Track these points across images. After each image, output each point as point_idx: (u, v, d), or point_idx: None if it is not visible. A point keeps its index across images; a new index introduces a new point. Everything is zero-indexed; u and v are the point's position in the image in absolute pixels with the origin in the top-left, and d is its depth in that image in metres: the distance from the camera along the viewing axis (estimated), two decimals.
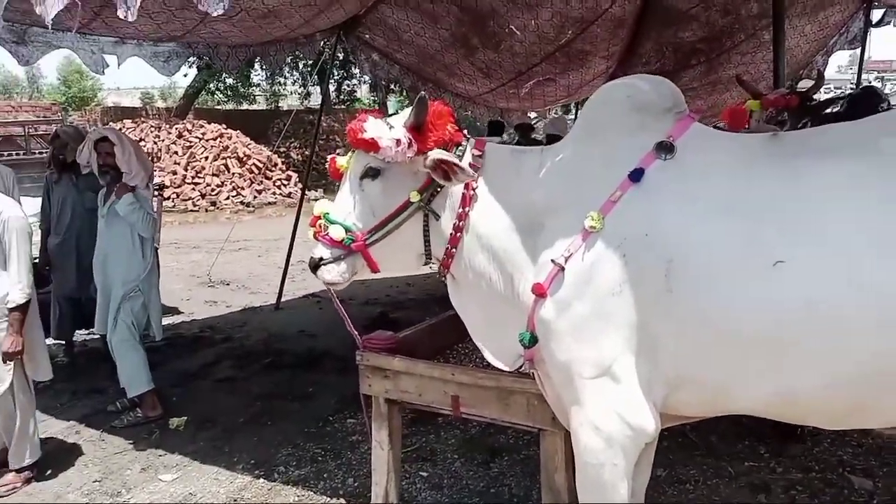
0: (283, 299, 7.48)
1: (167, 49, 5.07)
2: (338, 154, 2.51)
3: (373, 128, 2.17)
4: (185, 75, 21.13)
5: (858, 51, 8.12)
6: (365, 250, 2.30)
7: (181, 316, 7.15)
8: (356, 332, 2.81)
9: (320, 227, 2.32)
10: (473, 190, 2.21)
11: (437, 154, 2.12)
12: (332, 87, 25.47)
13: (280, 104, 27.44)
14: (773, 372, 1.80)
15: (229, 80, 24.10)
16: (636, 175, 1.97)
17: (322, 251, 2.33)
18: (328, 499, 3.42)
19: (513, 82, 7.50)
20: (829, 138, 1.90)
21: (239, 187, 16.85)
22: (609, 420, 2.01)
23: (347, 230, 2.28)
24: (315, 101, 23.36)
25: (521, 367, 2.33)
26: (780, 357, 1.78)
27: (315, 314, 7.05)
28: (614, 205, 1.97)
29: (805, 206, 1.76)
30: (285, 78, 25.22)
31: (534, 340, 2.12)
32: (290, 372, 5.36)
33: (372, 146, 2.16)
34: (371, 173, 2.24)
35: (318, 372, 5.32)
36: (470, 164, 2.20)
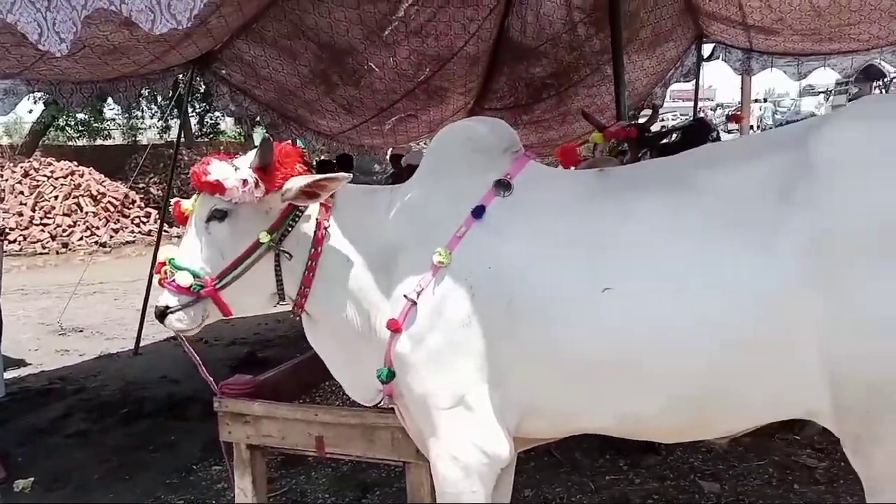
0: (142, 344, 7.13)
1: (1, 86, 4.77)
2: (182, 198, 2.46)
3: (217, 170, 2.16)
4: (31, 111, 19.94)
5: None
6: (215, 295, 2.26)
7: (28, 368, 6.67)
8: (211, 379, 2.74)
9: (166, 273, 2.26)
10: (325, 229, 2.23)
11: (298, 181, 2.13)
12: (194, 120, 24.83)
13: (138, 138, 26.31)
14: (615, 396, 1.92)
15: (80, 115, 22.91)
16: (478, 212, 2.06)
17: (168, 299, 2.26)
18: None
19: (375, 119, 7.57)
20: (650, 173, 2.06)
21: (93, 227, 15.96)
22: (466, 450, 2.07)
23: (195, 276, 2.23)
24: (175, 134, 22.58)
25: (381, 402, 2.36)
26: (619, 382, 1.89)
27: (178, 358, 6.71)
28: (460, 240, 2.05)
29: (632, 238, 1.89)
30: (143, 111, 24.30)
31: (391, 375, 2.16)
32: (150, 421, 5.11)
33: (217, 188, 2.14)
34: (218, 215, 2.22)
35: (180, 419, 5.09)
36: (322, 205, 2.23)
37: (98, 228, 15.99)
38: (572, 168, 2.50)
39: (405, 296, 2.06)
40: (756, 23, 6.97)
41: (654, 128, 4.72)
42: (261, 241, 2.21)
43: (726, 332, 1.75)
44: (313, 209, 2.25)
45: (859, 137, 1.73)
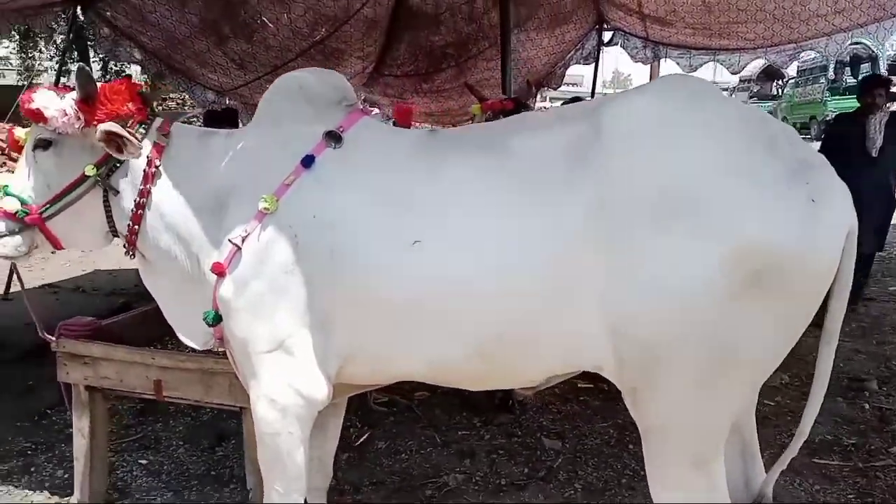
0: (14, 289, 6.84)
1: None
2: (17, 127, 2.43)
3: (40, 98, 2.16)
4: None
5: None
6: (42, 224, 2.28)
7: None
8: (38, 321, 2.72)
9: None
10: (156, 167, 2.24)
11: (105, 126, 2.13)
12: (97, 66, 23.57)
13: (35, 80, 24.86)
14: (423, 343, 2.00)
15: None
16: (308, 161, 2.10)
17: None
18: (29, 492, 3.22)
19: (269, 76, 7.40)
20: (471, 136, 2.14)
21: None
22: (283, 392, 2.12)
23: (23, 203, 2.25)
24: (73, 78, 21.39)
25: (212, 345, 2.38)
26: (426, 329, 1.98)
27: (48, 305, 6.51)
28: (287, 188, 2.08)
29: (440, 195, 1.97)
30: (40, 52, 22.94)
31: (217, 318, 2.18)
32: (9, 367, 4.93)
33: (38, 116, 2.16)
34: (42, 144, 2.23)
35: (42, 365, 4.86)
36: (154, 143, 2.25)
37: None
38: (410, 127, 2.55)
39: (230, 240, 2.09)
40: (651, 13, 7.16)
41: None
42: (87, 174, 2.23)
43: (518, 286, 1.85)
44: (145, 145, 2.24)
45: (643, 108, 1.85)
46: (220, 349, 2.35)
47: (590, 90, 9.37)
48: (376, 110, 2.43)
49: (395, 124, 2.58)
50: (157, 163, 2.24)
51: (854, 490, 3.21)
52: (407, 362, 2.09)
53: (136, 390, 2.82)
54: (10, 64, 23.89)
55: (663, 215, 1.72)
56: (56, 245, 2.35)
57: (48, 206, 2.25)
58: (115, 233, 2.35)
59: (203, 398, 2.74)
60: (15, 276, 2.73)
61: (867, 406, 4.12)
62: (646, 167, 1.76)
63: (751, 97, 28.61)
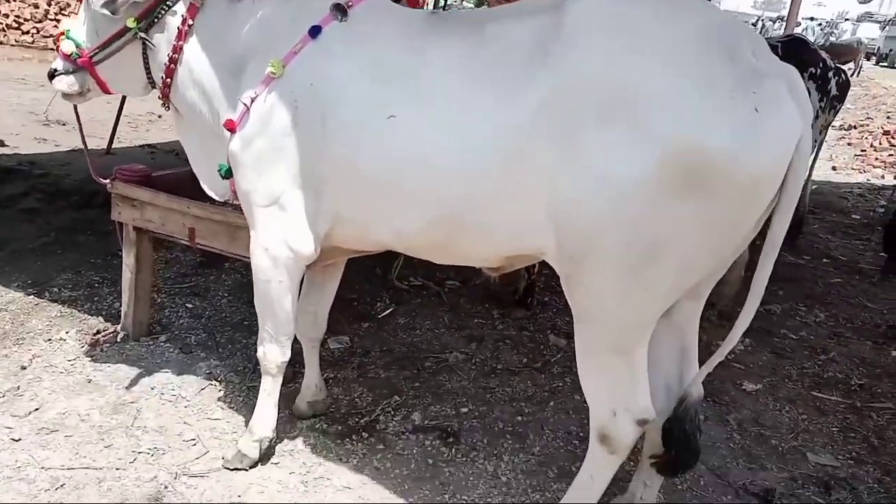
0: (117, 146, 7.44)
1: None
2: None
3: None
4: None
5: None
6: (91, 67, 2.59)
7: (4, 149, 7.01)
8: (92, 166, 3.06)
9: (60, 41, 2.61)
10: (189, 26, 2.45)
11: None
12: None
13: None
14: (391, 212, 2.19)
15: None
16: (314, 31, 2.26)
17: (58, 63, 2.66)
18: (89, 317, 3.69)
19: None
20: (461, 20, 2.23)
21: None
22: (275, 243, 2.37)
23: (77, 46, 2.57)
24: None
25: (229, 199, 2.65)
26: (392, 199, 2.16)
27: (146, 162, 7.02)
28: (294, 56, 2.26)
29: (418, 73, 2.10)
30: None
31: (230, 172, 2.43)
32: (97, 210, 5.45)
33: None
34: None
35: None
36: (191, 4, 2.46)
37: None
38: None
39: (241, 100, 2.30)
40: None
41: None
42: (128, 26, 2.47)
43: (474, 168, 1.99)
44: (181, 6, 2.46)
45: (607, 4, 1.89)
46: (236, 202, 2.61)
47: None
48: None
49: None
50: (191, 22, 2.45)
51: (840, 424, 3.25)
52: (379, 229, 2.28)
53: (174, 234, 3.16)
54: None
55: (607, 111, 1.80)
56: (104, 88, 2.67)
57: (97, 51, 2.55)
58: (152, 83, 2.62)
59: (228, 248, 3.04)
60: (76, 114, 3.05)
61: (894, 353, 4.06)
62: (598, 63, 1.83)
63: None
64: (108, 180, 3.19)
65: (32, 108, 9.06)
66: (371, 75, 2.16)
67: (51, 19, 15.49)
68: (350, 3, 2.31)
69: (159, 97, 2.62)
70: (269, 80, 2.27)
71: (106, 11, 2.39)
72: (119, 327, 3.51)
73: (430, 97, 2.07)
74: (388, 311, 4.03)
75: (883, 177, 9.84)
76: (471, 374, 3.41)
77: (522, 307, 4.17)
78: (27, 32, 15.04)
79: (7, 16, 14.81)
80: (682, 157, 1.74)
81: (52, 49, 15.02)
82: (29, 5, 15.34)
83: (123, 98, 7.31)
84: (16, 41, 14.56)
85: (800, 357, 3.93)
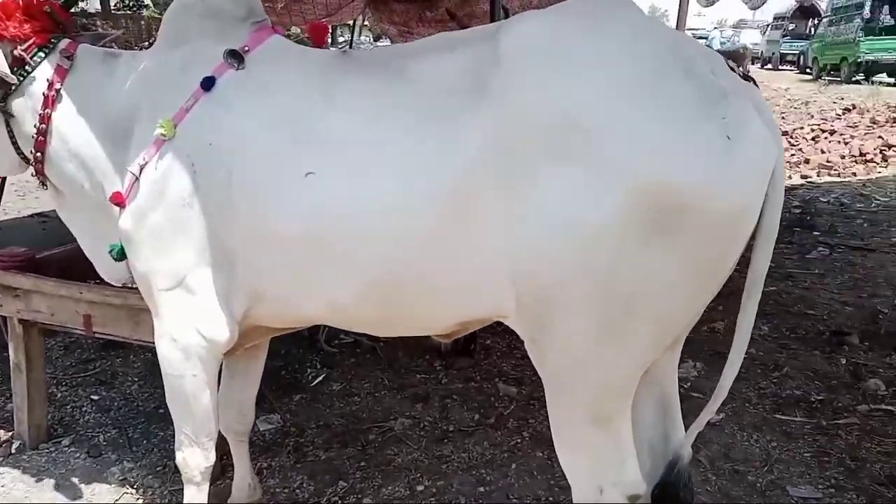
0: (4, 217, 6.86)
1: None
2: None
3: None
4: None
5: None
6: None
7: None
8: None
9: None
10: (57, 91, 2.13)
11: None
12: None
13: None
14: (320, 282, 1.89)
15: None
16: (208, 83, 1.96)
17: None
18: None
19: None
20: (377, 57, 1.98)
21: None
22: (185, 332, 2.03)
23: None
24: (94, 5, 21.16)
25: (128, 282, 2.30)
26: (320, 266, 1.86)
27: (37, 234, 6.51)
28: (186, 113, 1.95)
29: (331, 121, 1.82)
30: None
31: (123, 253, 2.09)
32: None
33: None
34: None
35: None
36: (57, 66, 2.15)
37: None
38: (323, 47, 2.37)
39: (128, 169, 1.97)
40: None
41: None
42: None
43: (404, 223, 1.72)
44: (45, 69, 2.13)
45: (543, 29, 1.67)
46: (135, 285, 2.27)
47: None
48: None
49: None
50: (58, 86, 2.14)
51: (812, 449, 3.10)
52: (308, 304, 1.98)
53: (66, 325, 2.77)
54: None
55: (558, 148, 1.56)
56: None
57: None
58: (25, 160, 2.27)
59: (131, 335, 2.67)
60: None
61: (843, 361, 3.97)
62: (541, 94, 1.60)
63: (784, 35, 27.60)
64: None
65: None
66: (278, 128, 1.87)
67: None
68: (246, 48, 2.02)
69: (33, 174, 2.26)
70: (160, 143, 1.95)
71: None
72: (13, 435, 3.05)
73: (349, 148, 1.79)
74: (320, 379, 3.68)
75: (790, 177, 10.09)
76: (421, 443, 3.10)
77: (466, 355, 3.91)
78: None
79: None
80: (649, 196, 1.51)
81: None
82: None
83: None
84: None
85: (754, 376, 3.79)
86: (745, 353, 1.91)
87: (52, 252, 3.04)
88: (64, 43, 2.19)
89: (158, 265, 2.00)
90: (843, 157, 10.31)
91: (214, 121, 1.93)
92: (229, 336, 2.05)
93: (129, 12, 23.24)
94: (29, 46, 2.13)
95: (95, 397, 3.52)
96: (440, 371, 3.80)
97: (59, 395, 3.50)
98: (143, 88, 2.07)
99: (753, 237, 1.66)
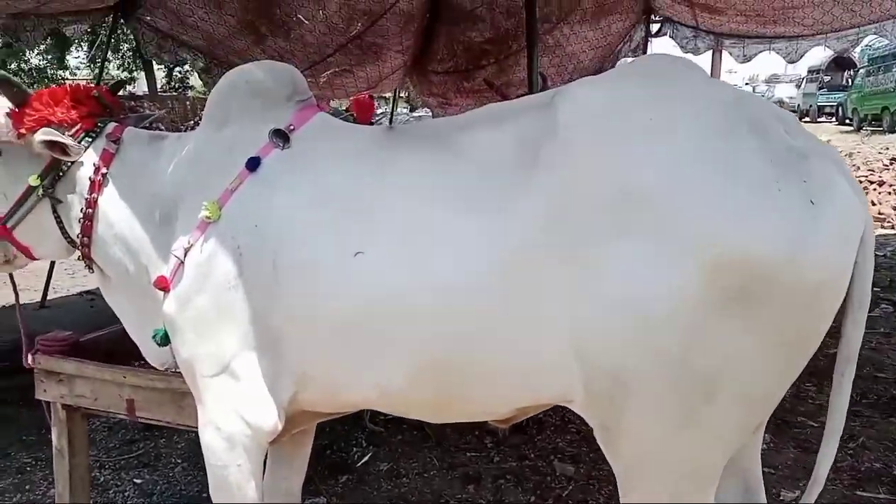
0: (53, 296, 6.92)
1: None
2: None
3: None
4: None
5: None
6: (9, 235, 2.24)
7: None
8: (24, 336, 2.63)
9: None
10: (103, 175, 2.12)
11: (41, 134, 2.05)
12: (161, 73, 24.10)
13: None
14: (369, 365, 1.79)
15: (35, 61, 22.23)
16: (252, 164, 1.92)
17: None
18: None
19: (308, 71, 7.33)
20: (426, 132, 1.92)
21: None
22: (228, 419, 1.94)
23: None
24: (142, 87, 22.00)
25: (172, 366, 2.23)
26: (370, 350, 1.77)
27: (86, 313, 6.57)
28: (231, 194, 1.90)
29: (382, 199, 1.76)
30: (109, 62, 23.62)
31: (167, 338, 2.03)
32: (31, 376, 4.91)
33: None
34: None
35: None
36: (103, 150, 2.14)
37: None
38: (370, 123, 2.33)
39: (173, 253, 1.92)
40: (700, 0, 6.77)
41: None
42: (31, 184, 2.15)
43: (460, 304, 1.63)
44: (91, 154, 2.14)
45: (603, 96, 1.59)
46: (179, 369, 2.19)
47: None
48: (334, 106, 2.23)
49: (354, 120, 2.38)
50: (104, 170, 2.13)
51: None
52: (358, 388, 1.88)
53: (110, 409, 2.68)
54: (79, 74, 24.66)
55: (623, 221, 1.46)
56: (28, 255, 2.31)
57: (8, 217, 2.21)
58: (73, 244, 2.26)
59: (175, 419, 2.57)
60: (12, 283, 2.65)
61: None
62: (606, 164, 1.51)
63: (820, 88, 27.36)
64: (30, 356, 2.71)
65: None
66: (326, 207, 1.81)
67: None
68: (291, 127, 1.97)
69: (79, 258, 2.23)
70: (205, 225, 1.90)
71: None
72: None
73: (399, 225, 1.72)
74: (366, 458, 3.54)
75: None
76: None
77: (518, 431, 3.73)
78: None
79: None
80: (727, 269, 1.39)
81: None
82: None
83: None
84: None
85: None
86: (815, 422, 1.79)
87: (96, 334, 2.99)
88: (110, 127, 2.20)
89: (202, 350, 1.93)
90: (894, 208, 10.00)
91: (260, 202, 1.88)
92: (275, 423, 1.94)
93: (174, 94, 24.19)
94: (76, 132, 2.14)
95: (138, 481, 3.44)
96: (491, 449, 3.63)
97: (102, 478, 3.42)
98: (187, 170, 2.04)
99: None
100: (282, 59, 7.04)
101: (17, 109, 2.10)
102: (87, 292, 7.15)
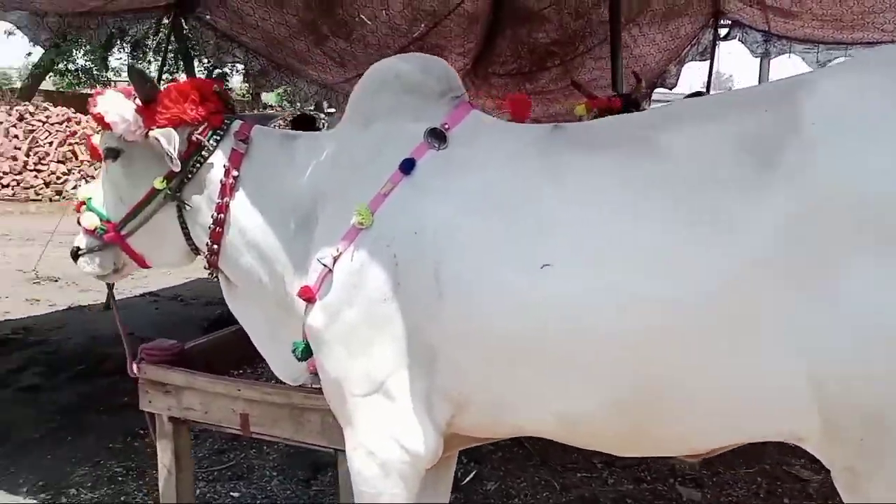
0: (116, 298, 6.84)
1: None
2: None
3: (103, 101, 1.95)
4: (30, 54, 19.57)
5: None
6: (122, 242, 2.08)
7: None
8: (127, 343, 2.48)
9: (82, 212, 2.12)
10: (234, 178, 1.95)
11: (154, 133, 1.90)
12: (201, 76, 24.29)
13: None
14: (552, 389, 1.60)
15: (81, 62, 22.51)
16: (407, 166, 1.74)
17: (80, 240, 2.14)
18: None
19: None
20: (608, 130, 1.73)
21: (89, 176, 15.65)
22: (384, 444, 1.76)
23: (102, 218, 2.08)
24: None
25: (306, 382, 2.07)
26: (551, 373, 1.57)
27: (150, 315, 6.47)
28: (384, 199, 1.73)
29: (572, 205, 1.56)
30: (150, 63, 23.85)
31: (308, 351, 1.86)
32: (107, 380, 4.82)
33: (101, 122, 1.94)
34: (111, 154, 2.02)
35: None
36: (232, 150, 1.97)
37: (93, 178, 15.66)
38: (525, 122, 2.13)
39: (319, 261, 1.75)
40: (774, 3, 6.51)
41: None
42: (156, 187, 1.99)
43: (672, 324, 1.43)
44: (220, 155, 1.97)
45: (867, 89, 1.38)
46: (316, 385, 2.03)
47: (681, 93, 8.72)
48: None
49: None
50: (236, 172, 1.96)
51: None
52: (530, 413, 1.68)
53: (221, 423, 2.53)
54: (122, 75, 24.89)
55: (882, 233, 1.26)
56: (141, 263, 2.15)
57: (124, 222, 2.05)
58: (195, 251, 2.10)
59: (293, 436, 2.41)
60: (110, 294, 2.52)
61: None
62: (863, 171, 1.30)
63: None
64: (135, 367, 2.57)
65: (20, 265, 8.52)
66: (496, 214, 1.62)
67: (30, 170, 15.21)
68: (446, 126, 1.80)
69: (206, 267, 2.08)
70: (355, 232, 1.72)
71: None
72: None
73: (595, 237, 1.51)
74: (471, 476, 3.35)
75: None
76: None
77: None
78: (7, 185, 14.74)
79: None
80: None
81: (34, 200, 14.68)
82: (7, 158, 15.07)
83: None
84: None
85: None
86: None
87: (198, 342, 2.86)
88: (237, 125, 2.03)
89: (353, 367, 1.75)
90: None
91: (417, 207, 1.70)
92: (435, 449, 1.77)
93: None
94: (204, 130, 1.97)
95: (235, 494, 3.30)
96: (602, 469, 3.42)
97: (198, 490, 3.28)
98: (329, 172, 1.88)
99: None
100: (342, 60, 6.92)
101: (145, 106, 1.93)
102: (150, 293, 7.08)
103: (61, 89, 22.69)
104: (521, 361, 1.60)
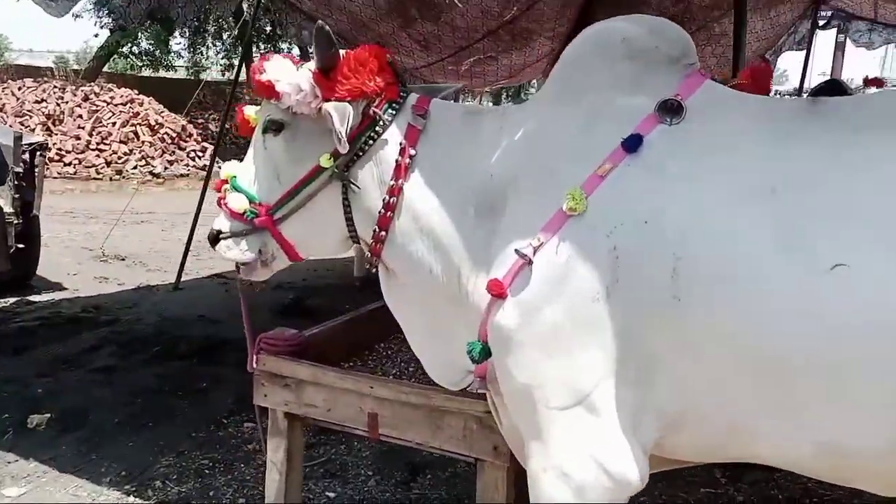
0: (184, 279, 6.72)
1: None
2: (248, 104, 1.99)
3: (273, 68, 1.72)
4: (96, 36, 19.82)
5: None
6: (273, 228, 1.83)
7: (64, 292, 6.32)
8: (249, 332, 2.25)
9: (225, 192, 1.86)
10: (410, 157, 1.70)
11: (327, 106, 1.67)
12: (257, 58, 24.38)
13: (201, 75, 26.07)
14: (818, 415, 1.32)
15: (144, 45, 22.74)
16: (632, 143, 1.47)
17: (222, 223, 1.86)
18: None
19: (452, 58, 6.96)
20: (888, 107, 1.43)
21: (149, 156, 15.72)
22: (583, 465, 1.50)
23: (252, 201, 1.82)
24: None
25: (470, 386, 1.82)
26: (820, 396, 1.30)
27: (220, 296, 6.35)
28: (602, 181, 1.46)
29: (860, 194, 1.29)
30: (208, 48, 24.02)
31: (486, 353, 1.60)
32: (182, 363, 4.66)
33: (269, 91, 1.71)
34: (273, 127, 1.78)
35: (215, 364, 4.60)
36: (409, 126, 1.73)
37: (153, 158, 15.75)
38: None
39: (517, 251, 1.49)
40: None
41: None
42: (322, 165, 1.75)
43: None
44: (395, 131, 1.72)
45: None
46: (481, 391, 1.79)
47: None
48: None
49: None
50: (412, 151, 1.71)
51: None
52: (780, 440, 1.41)
53: (345, 423, 2.31)
54: (183, 59, 25.10)
55: None
56: (291, 254, 1.87)
57: (279, 205, 1.80)
58: (355, 238, 1.85)
59: (428, 441, 2.18)
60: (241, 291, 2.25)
61: None
62: None
63: None
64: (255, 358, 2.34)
65: (86, 243, 8.48)
66: (760, 202, 1.35)
67: (92, 149, 15.32)
68: (679, 96, 1.53)
69: (367, 256, 1.83)
70: (563, 218, 1.47)
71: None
72: None
73: (883, 227, 1.25)
74: None
75: None
76: None
77: (750, 465, 3.22)
78: (69, 164, 14.85)
79: (49, 148, 14.67)
80: None
81: (95, 179, 14.76)
82: (70, 137, 15.19)
83: (194, 223, 6.63)
84: (58, 173, 14.32)
85: None
86: None
87: (314, 331, 2.63)
88: (414, 98, 1.78)
89: (551, 375, 1.50)
90: None
91: (646, 192, 1.44)
92: (644, 475, 1.51)
93: None
94: (380, 103, 1.73)
95: (331, 494, 3.08)
96: (727, 484, 3.14)
97: None
98: (524, 150, 1.62)
99: None
100: (427, 43, 6.70)
101: (323, 74, 1.69)
102: (218, 275, 6.94)
103: (120, 72, 22.92)
104: (781, 381, 1.34)
